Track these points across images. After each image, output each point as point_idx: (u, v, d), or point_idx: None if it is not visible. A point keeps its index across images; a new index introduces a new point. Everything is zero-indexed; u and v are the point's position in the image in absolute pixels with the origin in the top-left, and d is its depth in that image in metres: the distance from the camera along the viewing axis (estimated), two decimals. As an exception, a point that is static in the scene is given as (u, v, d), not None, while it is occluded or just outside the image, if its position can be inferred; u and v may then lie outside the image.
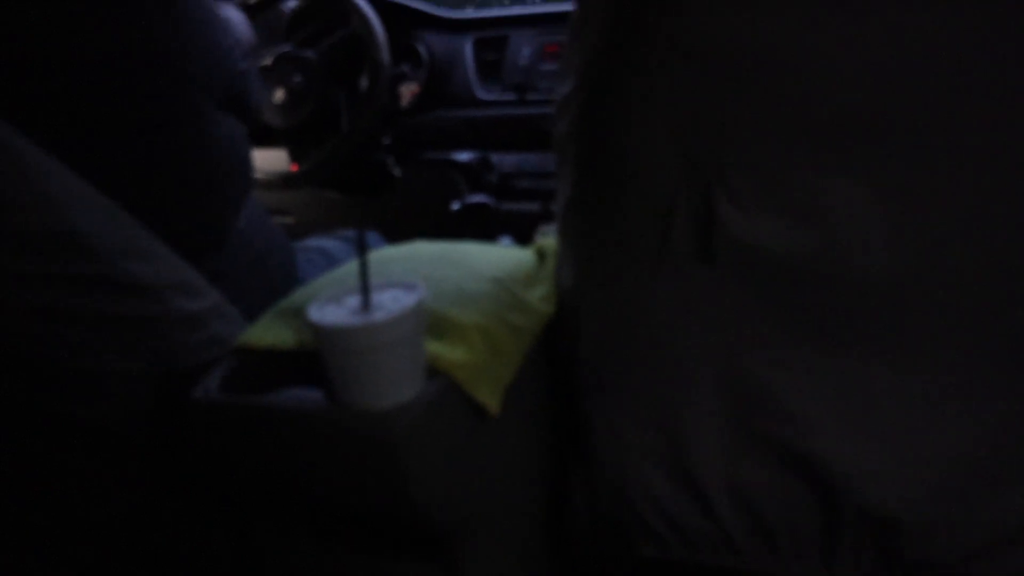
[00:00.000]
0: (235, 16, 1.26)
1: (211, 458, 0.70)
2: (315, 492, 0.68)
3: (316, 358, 0.65)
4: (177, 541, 0.85)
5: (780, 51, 0.63)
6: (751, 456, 0.74)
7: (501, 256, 0.89)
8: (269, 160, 1.71)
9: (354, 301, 0.65)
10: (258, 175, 1.67)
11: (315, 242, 1.36)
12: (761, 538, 0.75)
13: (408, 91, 1.78)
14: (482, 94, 1.77)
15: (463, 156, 1.63)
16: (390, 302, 0.64)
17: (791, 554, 0.74)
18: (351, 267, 0.85)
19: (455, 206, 1.47)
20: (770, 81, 0.64)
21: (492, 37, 1.79)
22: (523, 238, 1.38)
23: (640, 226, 0.73)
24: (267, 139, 1.66)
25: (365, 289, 0.64)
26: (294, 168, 1.65)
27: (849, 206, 0.65)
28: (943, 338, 0.67)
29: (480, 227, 1.43)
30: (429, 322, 0.69)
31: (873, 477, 0.70)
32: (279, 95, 1.59)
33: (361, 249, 0.65)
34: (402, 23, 1.78)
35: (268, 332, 0.73)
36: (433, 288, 0.74)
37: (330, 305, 0.65)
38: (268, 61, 1.60)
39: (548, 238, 0.95)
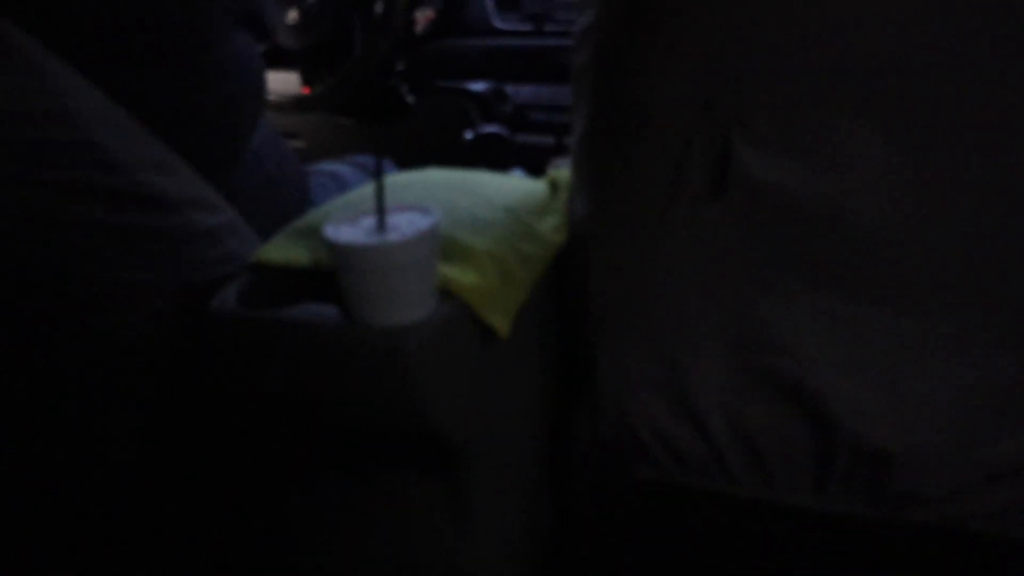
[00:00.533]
0: None
1: (226, 372, 0.72)
2: (327, 407, 0.71)
3: (331, 277, 0.67)
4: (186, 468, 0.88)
5: None
6: (750, 389, 0.76)
7: (514, 186, 0.90)
8: (281, 82, 1.69)
9: (370, 222, 0.66)
10: (270, 97, 1.66)
11: (327, 166, 1.36)
12: (755, 465, 0.77)
13: (423, 17, 1.75)
14: (499, 23, 1.74)
15: (477, 86, 1.62)
16: (405, 224, 0.65)
17: (783, 482, 0.77)
18: (365, 191, 0.85)
19: (468, 136, 1.47)
20: (792, 21, 0.64)
21: (510, -37, 1.75)
22: (536, 171, 1.38)
23: (654, 163, 0.73)
24: (279, 61, 1.64)
25: (381, 210, 0.65)
26: (306, 91, 1.63)
27: (864, 150, 0.66)
28: (945, 286, 0.68)
29: (493, 158, 1.43)
30: (442, 247, 0.71)
31: (868, 414, 0.72)
32: (293, 15, 1.57)
33: (377, 171, 0.65)
34: (419, -55, 1.73)
35: (283, 250, 0.75)
36: (447, 214, 0.75)
37: (346, 225, 0.66)
38: None
39: (561, 170, 0.96)
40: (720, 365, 0.77)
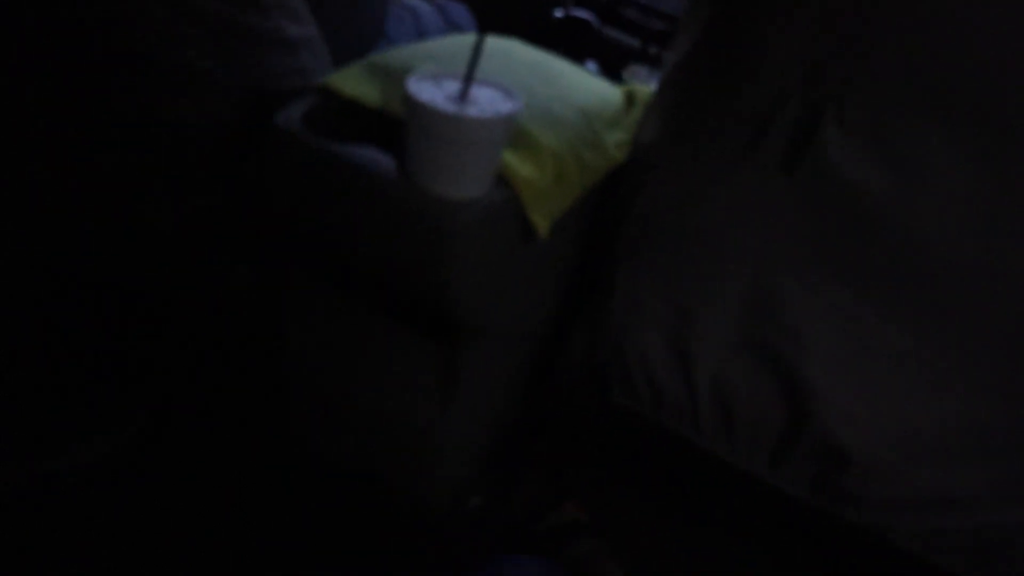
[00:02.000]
0: None
1: (277, 186, 0.73)
2: (361, 252, 0.72)
3: (397, 125, 0.67)
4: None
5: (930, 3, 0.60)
6: (744, 357, 0.79)
7: (593, 87, 0.88)
8: None
9: (452, 86, 0.65)
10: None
11: (407, 0, 1.31)
12: (725, 426, 0.82)
13: None
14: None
15: None
16: (486, 101, 0.65)
17: (744, 448, 0.82)
18: (449, 45, 0.83)
19: (558, 14, 1.41)
20: (913, 18, 0.62)
21: None
22: (610, 69, 1.34)
23: (741, 116, 0.72)
24: None
25: (468, 79, 0.64)
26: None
27: (948, 166, 0.65)
28: (969, 319, 0.69)
29: (574, 43, 1.38)
30: (513, 134, 0.70)
31: (843, 415, 0.76)
32: None
33: (476, 48, 0.64)
34: None
35: (356, 83, 0.74)
36: (523, 100, 0.75)
37: (428, 82, 0.65)
38: None
39: (642, 86, 0.94)
40: (725, 326, 0.79)
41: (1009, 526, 0.73)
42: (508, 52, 0.88)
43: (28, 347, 0.91)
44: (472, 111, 0.62)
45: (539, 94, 0.79)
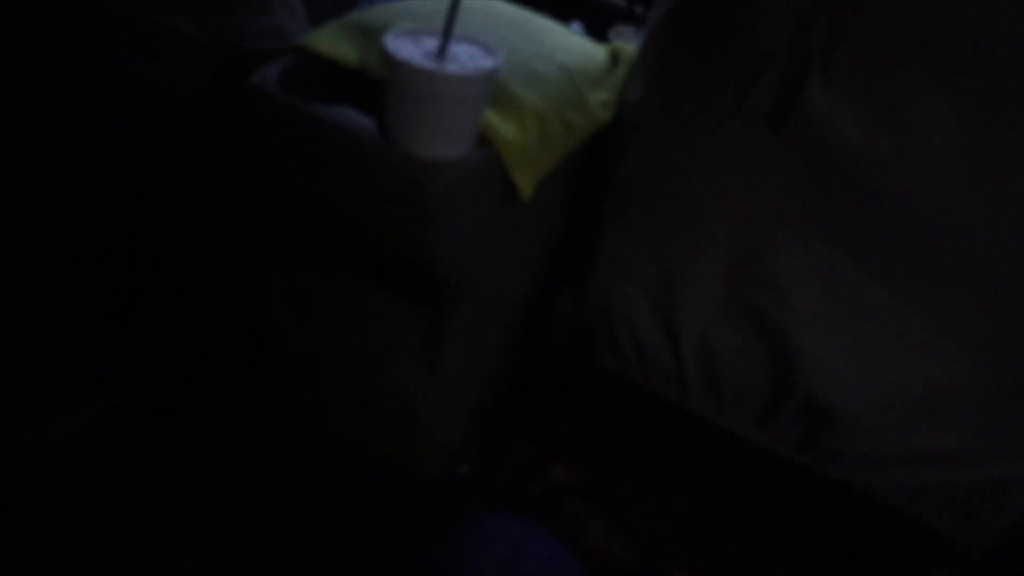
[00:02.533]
0: None
1: (254, 147, 0.72)
2: (341, 213, 0.71)
3: (376, 85, 0.65)
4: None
5: None
6: (731, 318, 0.79)
7: (576, 45, 0.86)
8: None
9: (431, 43, 0.64)
10: None
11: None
12: (711, 388, 0.82)
13: None
14: None
15: None
16: (466, 57, 0.63)
17: (731, 410, 0.82)
18: (428, 1, 0.81)
19: None
20: None
21: None
22: (595, 29, 1.31)
23: (728, 72, 0.71)
24: None
25: (447, 35, 0.63)
26: None
27: (937, 124, 0.64)
28: (956, 279, 0.69)
29: (558, 2, 1.35)
30: (494, 92, 0.69)
31: (830, 374, 0.76)
32: None
33: (454, 4, 0.62)
34: None
35: (333, 42, 0.72)
36: (504, 57, 0.73)
37: (406, 39, 0.63)
38: None
39: (627, 44, 0.92)
40: (711, 286, 0.79)
41: (991, 482, 0.74)
42: (489, 10, 0.86)
43: (4, 319, 0.90)
44: (451, 67, 0.61)
45: (521, 52, 0.78)
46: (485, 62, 0.63)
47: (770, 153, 0.72)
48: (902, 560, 0.84)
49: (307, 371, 0.90)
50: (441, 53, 0.62)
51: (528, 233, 0.83)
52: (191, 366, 0.99)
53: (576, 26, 1.36)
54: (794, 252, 0.75)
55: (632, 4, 1.35)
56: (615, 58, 0.90)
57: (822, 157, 0.70)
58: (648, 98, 0.79)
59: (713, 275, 0.78)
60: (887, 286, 0.71)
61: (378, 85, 0.65)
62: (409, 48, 0.62)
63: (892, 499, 0.79)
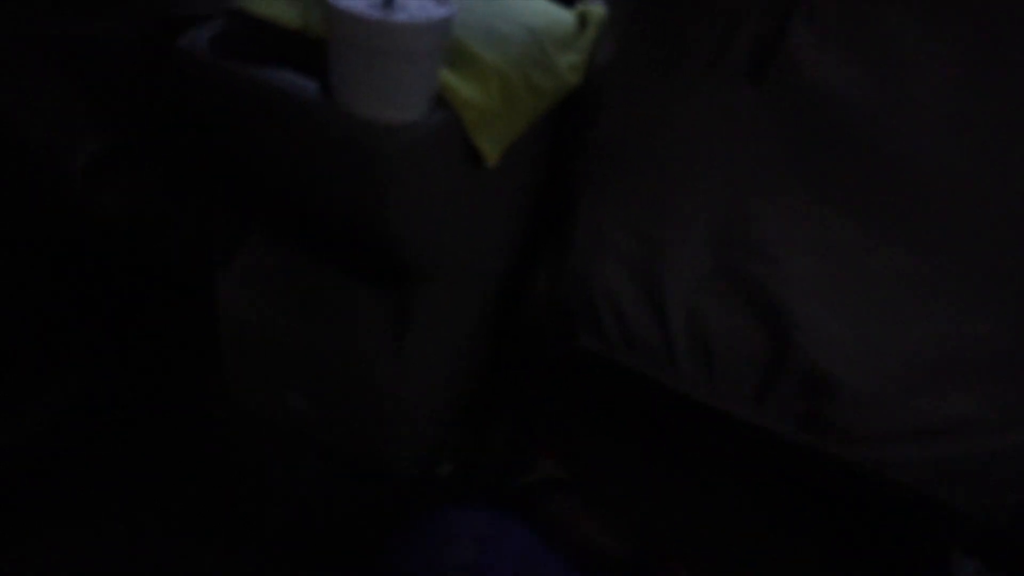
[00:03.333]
0: None
1: (193, 116, 0.65)
2: (292, 187, 0.65)
3: (318, 47, 0.59)
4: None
5: None
6: (721, 287, 0.73)
7: (540, 7, 0.81)
8: None
9: None
10: None
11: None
12: (703, 365, 0.76)
13: None
14: None
15: None
16: (416, 8, 0.57)
17: (725, 387, 0.76)
18: None
19: None
20: None
21: None
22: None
23: (702, 30, 0.66)
24: None
25: (393, -16, 0.57)
26: None
27: (932, 69, 0.59)
28: (953, 229, 0.64)
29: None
30: (451, 51, 0.63)
31: (829, 342, 0.70)
32: None
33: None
34: None
35: (271, 2, 0.66)
36: (462, 16, 0.67)
37: None
38: None
39: (596, 6, 0.86)
40: (697, 255, 0.73)
41: (1012, 449, 0.68)
42: None
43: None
44: (400, 16, 0.55)
45: (481, 11, 0.72)
46: (437, 11, 0.57)
47: (751, 108, 0.66)
48: (917, 541, 0.79)
49: (270, 366, 0.84)
50: (388, 3, 0.56)
51: (496, 205, 0.77)
52: (147, 361, 0.93)
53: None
54: (783, 214, 0.69)
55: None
56: (584, 20, 0.85)
57: (807, 109, 0.64)
58: (621, 58, 0.74)
59: (698, 242, 0.72)
60: (886, 243, 0.66)
61: (321, 46, 0.58)
62: (353, 0, 0.56)
63: (904, 476, 0.73)
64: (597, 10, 0.85)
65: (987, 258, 0.64)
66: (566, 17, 0.83)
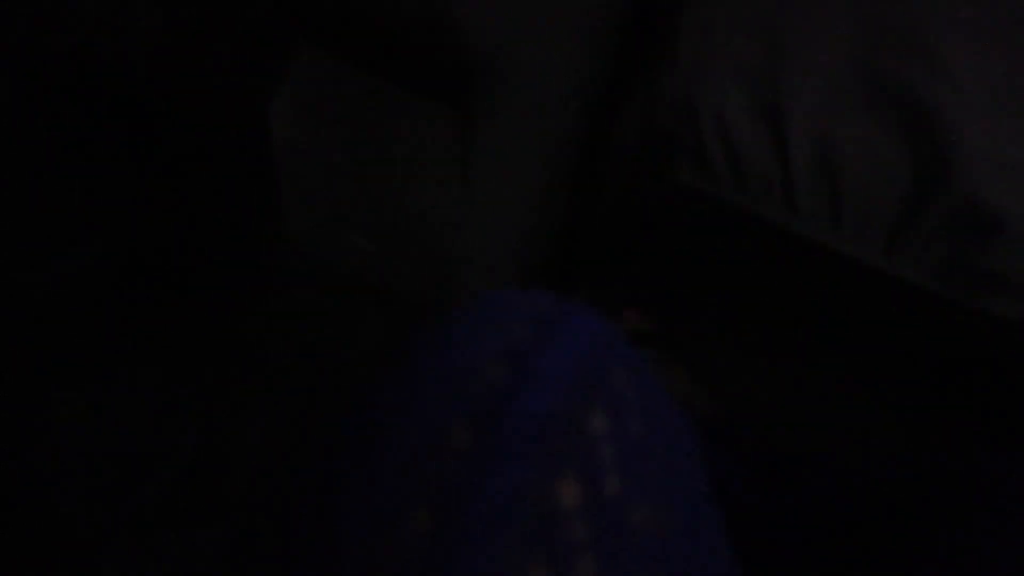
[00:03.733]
0: None
1: None
2: None
3: None
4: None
5: None
6: (856, 100, 0.60)
7: None
8: None
9: None
10: None
11: None
12: (828, 201, 0.64)
13: None
14: None
15: None
16: None
17: (853, 228, 0.64)
18: None
19: None
20: None
21: None
22: None
23: None
24: None
25: None
26: None
27: None
28: None
29: None
30: None
31: (996, 165, 0.57)
32: None
33: None
34: None
35: None
36: None
37: None
38: None
39: None
40: (833, 63, 0.60)
41: None
42: None
43: None
44: None
45: None
46: None
47: None
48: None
49: (320, 198, 0.76)
50: None
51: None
52: (187, 199, 0.86)
53: None
54: (950, 4, 0.55)
55: None
56: None
57: None
58: None
59: (837, 44, 0.58)
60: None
61: None
62: None
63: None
64: None
65: None
66: None
